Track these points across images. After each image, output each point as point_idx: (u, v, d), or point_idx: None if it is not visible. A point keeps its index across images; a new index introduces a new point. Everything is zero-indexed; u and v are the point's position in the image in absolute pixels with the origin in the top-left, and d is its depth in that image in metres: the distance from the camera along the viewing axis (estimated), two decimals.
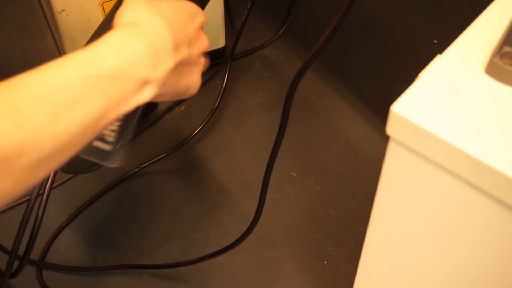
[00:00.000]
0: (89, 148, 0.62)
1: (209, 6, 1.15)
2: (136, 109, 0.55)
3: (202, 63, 0.64)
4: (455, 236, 0.55)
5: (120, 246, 0.97)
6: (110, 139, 0.63)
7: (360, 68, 1.24)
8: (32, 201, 0.67)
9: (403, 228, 0.59)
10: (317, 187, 1.04)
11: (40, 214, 0.67)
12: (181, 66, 0.58)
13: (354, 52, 1.28)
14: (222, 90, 1.17)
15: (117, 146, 0.64)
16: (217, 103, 1.15)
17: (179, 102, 1.16)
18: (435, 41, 1.28)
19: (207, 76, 1.21)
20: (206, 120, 1.13)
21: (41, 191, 0.70)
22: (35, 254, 0.96)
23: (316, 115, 1.16)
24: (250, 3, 1.18)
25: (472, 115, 0.49)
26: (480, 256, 0.54)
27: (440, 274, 0.60)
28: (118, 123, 0.63)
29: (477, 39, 0.54)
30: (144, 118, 1.14)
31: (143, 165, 1.06)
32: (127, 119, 0.64)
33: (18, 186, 0.43)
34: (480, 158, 0.46)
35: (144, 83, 0.52)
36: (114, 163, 0.64)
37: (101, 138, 0.63)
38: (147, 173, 1.06)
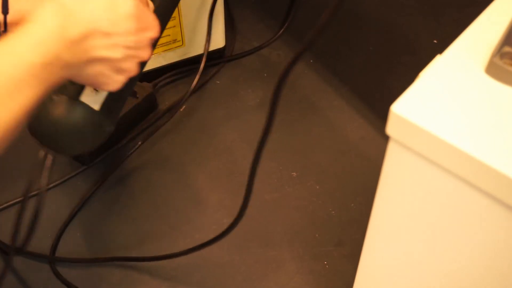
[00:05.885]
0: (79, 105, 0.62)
1: (209, 6, 1.15)
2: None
3: (128, 70, 0.60)
4: (454, 236, 0.55)
5: (120, 247, 0.97)
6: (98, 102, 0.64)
7: (360, 68, 1.24)
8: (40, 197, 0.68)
9: (403, 228, 0.59)
10: (317, 187, 1.04)
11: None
12: (103, 63, 0.57)
13: (354, 52, 1.28)
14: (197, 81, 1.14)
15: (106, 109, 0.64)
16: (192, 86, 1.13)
17: (179, 103, 1.15)
18: (435, 41, 1.28)
19: (207, 77, 1.21)
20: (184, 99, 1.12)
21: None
22: (45, 249, 0.96)
23: (316, 115, 1.16)
24: None
25: (472, 115, 0.49)
26: (480, 255, 0.54)
27: (440, 274, 0.60)
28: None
29: (477, 39, 0.54)
30: (144, 118, 1.14)
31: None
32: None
33: None
34: (480, 158, 0.46)
35: (66, 66, 0.53)
36: (103, 128, 0.64)
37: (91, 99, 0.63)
38: (146, 173, 1.06)
